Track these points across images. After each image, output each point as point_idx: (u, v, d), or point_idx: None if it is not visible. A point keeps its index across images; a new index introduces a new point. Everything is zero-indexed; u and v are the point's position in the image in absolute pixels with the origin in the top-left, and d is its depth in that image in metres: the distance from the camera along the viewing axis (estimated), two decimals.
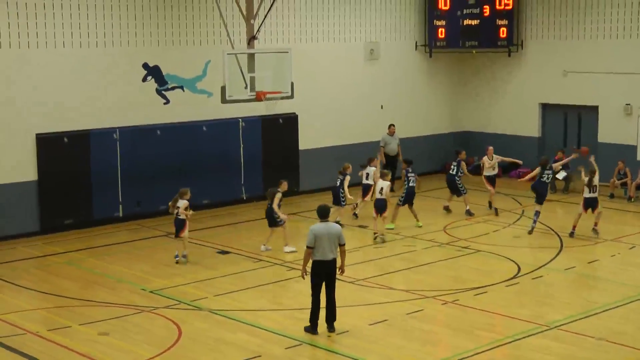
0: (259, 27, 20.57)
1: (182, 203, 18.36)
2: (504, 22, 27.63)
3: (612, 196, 24.50)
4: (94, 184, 21.60)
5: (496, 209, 22.70)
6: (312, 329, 13.85)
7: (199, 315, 14.95)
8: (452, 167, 22.80)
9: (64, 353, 13.21)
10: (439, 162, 29.17)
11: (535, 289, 16.42)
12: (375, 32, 27.22)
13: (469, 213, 22.37)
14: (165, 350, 13.27)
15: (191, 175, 22.98)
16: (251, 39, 20.27)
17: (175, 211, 18.41)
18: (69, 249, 19.66)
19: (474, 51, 28.45)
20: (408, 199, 21.31)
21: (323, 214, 13.84)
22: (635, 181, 24.41)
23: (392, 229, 20.75)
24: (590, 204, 19.85)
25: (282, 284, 16.90)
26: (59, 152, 21.09)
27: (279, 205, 19.00)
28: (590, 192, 19.78)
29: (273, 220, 19.01)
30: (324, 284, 13.78)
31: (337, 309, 13.90)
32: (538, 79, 27.98)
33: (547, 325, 14.21)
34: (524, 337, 13.67)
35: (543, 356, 12.90)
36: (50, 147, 20.98)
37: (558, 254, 18.90)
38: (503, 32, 27.68)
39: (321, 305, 13.84)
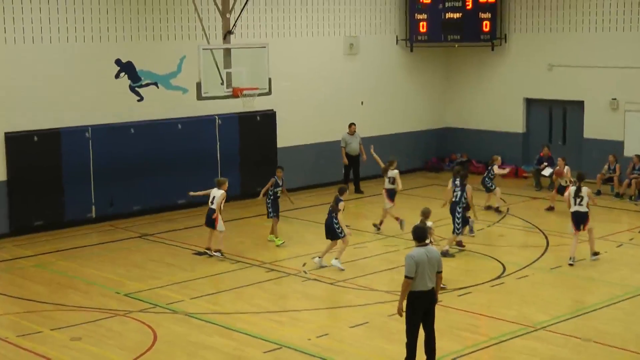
0: (235, 22, 20.54)
1: (219, 193, 18.58)
2: (487, 15, 27.70)
3: (598, 193, 24.62)
4: (65, 184, 21.48)
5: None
6: None
7: (175, 319, 14.90)
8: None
9: (35, 359, 13.13)
10: (420, 160, 29.22)
11: (520, 288, 16.47)
12: (355, 26, 27.22)
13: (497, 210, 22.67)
14: (139, 355, 13.21)
15: (166, 174, 22.95)
16: (227, 33, 20.23)
17: (211, 199, 18.64)
18: (39, 252, 19.53)
19: (456, 45, 28.49)
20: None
21: (421, 235, 12.12)
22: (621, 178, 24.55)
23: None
24: (579, 219, 17.99)
25: (260, 285, 16.85)
26: (29, 151, 20.96)
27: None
28: (575, 205, 17.93)
29: (334, 233, 17.79)
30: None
31: (316, 311, 13.74)
32: (522, 73, 28.06)
33: (533, 326, 14.25)
34: (509, 339, 13.71)
35: (528, 358, 12.94)
36: (20, 146, 20.84)
37: (544, 253, 18.96)
38: (486, 26, 27.75)
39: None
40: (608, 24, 25.98)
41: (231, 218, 22.30)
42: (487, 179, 22.74)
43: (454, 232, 18.57)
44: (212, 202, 18.55)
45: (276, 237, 19.85)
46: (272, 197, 19.83)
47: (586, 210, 17.86)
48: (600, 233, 20.33)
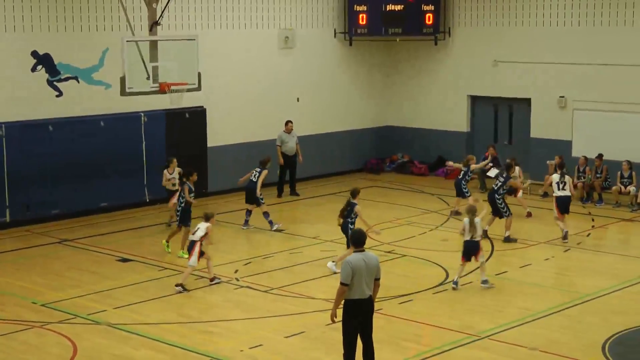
0: (162, 12, 20.47)
1: (204, 226, 17.14)
2: (430, 7, 27.97)
3: (545, 195, 25.03)
4: None
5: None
6: None
7: (97, 330, 14.80)
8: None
9: None
10: (360, 161, 29.43)
11: (464, 296, 16.66)
12: (291, 18, 27.30)
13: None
14: None
15: (88, 175, 22.76)
16: (153, 24, 20.17)
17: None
18: None
19: (397, 39, 28.72)
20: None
21: (360, 241, 12.04)
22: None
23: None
24: (566, 204, 20.44)
25: (190, 294, 16.83)
26: None
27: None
28: (559, 190, 20.38)
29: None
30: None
31: (250, 320, 13.77)
32: (467, 69, 28.40)
33: (477, 334, 14.45)
34: (452, 348, 13.87)
35: None
36: None
37: (489, 258, 19.21)
38: (429, 19, 28.03)
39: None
40: (556, 18, 26.41)
41: (158, 222, 22.28)
42: (463, 182, 22.77)
43: (502, 216, 20.48)
44: (193, 233, 17.27)
45: (167, 244, 19.52)
46: (182, 205, 19.22)
47: (570, 194, 20.43)
48: (547, 237, 20.73)
